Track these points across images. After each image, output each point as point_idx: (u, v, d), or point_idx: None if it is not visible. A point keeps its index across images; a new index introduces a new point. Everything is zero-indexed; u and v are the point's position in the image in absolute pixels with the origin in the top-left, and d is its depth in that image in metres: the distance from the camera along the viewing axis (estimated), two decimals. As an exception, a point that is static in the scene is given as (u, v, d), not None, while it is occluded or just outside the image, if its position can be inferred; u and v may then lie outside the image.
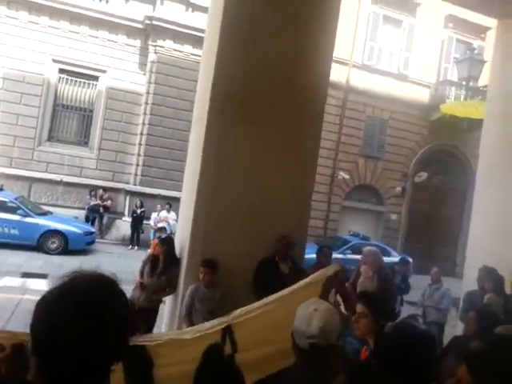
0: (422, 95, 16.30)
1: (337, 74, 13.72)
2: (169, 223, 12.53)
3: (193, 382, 1.75)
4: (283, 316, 1.99)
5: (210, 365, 1.78)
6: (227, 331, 2.56)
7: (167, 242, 4.86)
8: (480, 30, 16.60)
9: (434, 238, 16.33)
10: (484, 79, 12.26)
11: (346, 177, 15.70)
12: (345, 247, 12.00)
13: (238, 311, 2.74)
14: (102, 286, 0.91)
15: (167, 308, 4.92)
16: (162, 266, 4.73)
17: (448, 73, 16.68)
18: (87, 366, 0.85)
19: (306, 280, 3.17)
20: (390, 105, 15.86)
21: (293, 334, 1.69)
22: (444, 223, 16.62)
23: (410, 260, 11.39)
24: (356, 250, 11.62)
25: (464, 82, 14.55)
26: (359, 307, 2.40)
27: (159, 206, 13.14)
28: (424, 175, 16.56)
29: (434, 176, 16.99)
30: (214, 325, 2.67)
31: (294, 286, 2.99)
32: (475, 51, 13.38)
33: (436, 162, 16.95)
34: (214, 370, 1.75)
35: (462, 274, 6.52)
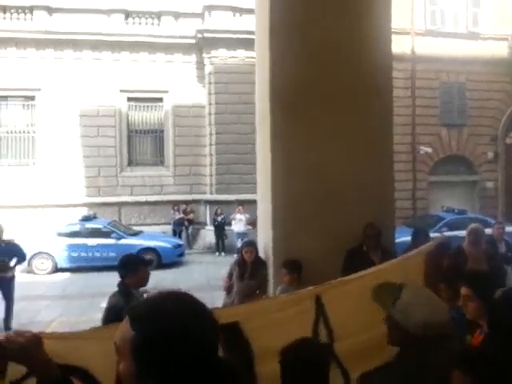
0: (499, 49, 14.87)
1: (400, 45, 12.94)
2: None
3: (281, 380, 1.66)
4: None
5: (301, 364, 1.66)
6: (320, 309, 2.33)
7: (252, 245, 4.90)
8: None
9: (540, 201, 14.76)
10: None
11: (429, 150, 14.77)
12: (440, 224, 11.19)
13: (327, 283, 2.53)
14: (188, 304, 0.95)
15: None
16: (251, 270, 4.76)
17: (526, 19, 14.99)
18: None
19: (399, 258, 2.97)
20: (465, 67, 14.66)
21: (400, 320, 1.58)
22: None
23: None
24: (453, 226, 10.79)
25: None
26: (464, 290, 2.23)
27: (237, 208, 13.29)
28: (516, 135, 15.10)
29: (527, 134, 15.42)
30: (304, 292, 2.49)
31: (386, 264, 2.79)
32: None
33: (528, 118, 15.36)
34: (306, 369, 1.63)
35: None
